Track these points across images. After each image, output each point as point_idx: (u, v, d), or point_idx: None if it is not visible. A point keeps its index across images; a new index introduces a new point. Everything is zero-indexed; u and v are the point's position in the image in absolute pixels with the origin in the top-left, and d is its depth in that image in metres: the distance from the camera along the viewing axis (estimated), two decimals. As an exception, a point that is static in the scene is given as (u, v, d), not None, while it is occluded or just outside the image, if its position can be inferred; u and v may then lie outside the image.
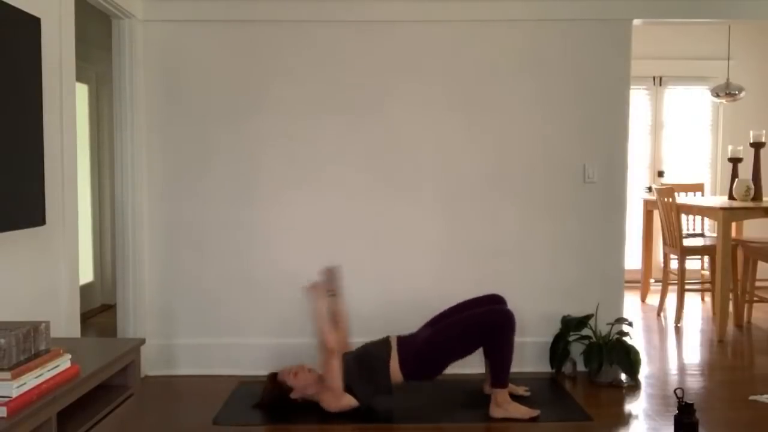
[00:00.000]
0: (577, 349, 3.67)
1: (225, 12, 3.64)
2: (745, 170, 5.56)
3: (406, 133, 3.73)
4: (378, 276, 3.75)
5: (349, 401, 3.05)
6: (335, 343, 3.06)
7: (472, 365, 3.63)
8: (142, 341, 2.34)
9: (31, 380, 1.70)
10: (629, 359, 3.50)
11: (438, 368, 3.11)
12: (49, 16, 2.63)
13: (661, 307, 5.24)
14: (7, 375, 1.63)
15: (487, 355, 3.14)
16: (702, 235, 5.75)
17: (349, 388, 3.06)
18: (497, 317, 3.07)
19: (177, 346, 3.75)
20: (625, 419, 3.08)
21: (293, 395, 3.11)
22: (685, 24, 4.80)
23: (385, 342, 3.17)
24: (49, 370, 1.79)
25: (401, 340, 3.17)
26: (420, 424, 2.99)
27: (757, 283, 5.02)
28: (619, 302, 3.81)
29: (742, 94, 5.55)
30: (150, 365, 3.72)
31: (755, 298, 4.91)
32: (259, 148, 3.71)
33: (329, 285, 3.32)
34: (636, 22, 3.75)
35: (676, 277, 5.08)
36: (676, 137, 6.58)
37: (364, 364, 3.11)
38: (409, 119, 3.73)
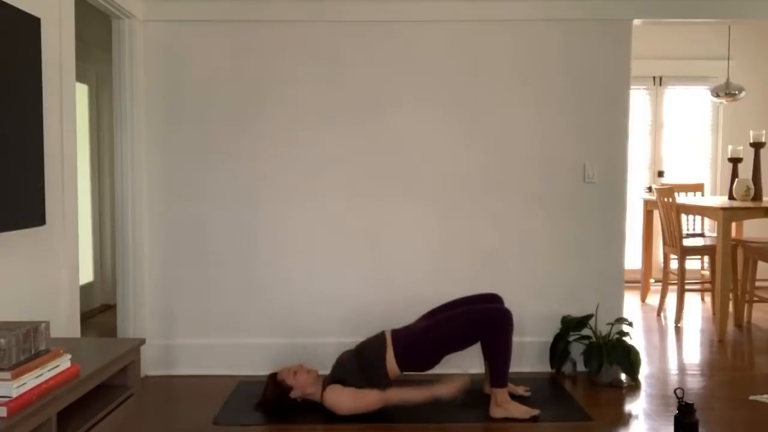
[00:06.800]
0: (577, 349, 3.67)
1: (225, 12, 3.64)
2: (745, 170, 5.57)
3: (406, 132, 3.73)
4: (378, 276, 3.75)
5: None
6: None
7: (472, 365, 3.64)
8: (142, 341, 2.34)
9: (31, 380, 1.71)
10: (629, 359, 3.50)
11: (433, 358, 3.12)
12: (49, 16, 2.63)
13: (661, 307, 5.24)
14: (7, 375, 1.63)
15: (485, 355, 3.14)
16: (702, 235, 5.75)
17: (348, 385, 3.07)
18: (497, 315, 3.08)
19: (177, 346, 3.75)
20: (625, 419, 3.08)
21: (293, 395, 3.11)
22: (685, 24, 4.80)
23: (380, 337, 3.18)
24: (49, 370, 1.79)
25: (395, 333, 3.19)
26: (420, 424, 2.99)
27: (757, 283, 5.02)
28: (619, 302, 3.81)
29: (742, 94, 5.55)
30: (150, 365, 3.72)
31: (755, 298, 4.91)
32: (259, 147, 3.71)
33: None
34: (636, 22, 3.75)
35: (676, 277, 5.08)
36: (676, 137, 6.58)
37: (362, 361, 3.12)
38: (409, 119, 3.73)
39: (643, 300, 5.71)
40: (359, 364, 3.11)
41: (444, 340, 3.09)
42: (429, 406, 3.17)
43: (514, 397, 3.23)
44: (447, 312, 3.21)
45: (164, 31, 3.66)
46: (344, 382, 3.08)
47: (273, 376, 3.19)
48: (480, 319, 3.08)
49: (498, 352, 3.09)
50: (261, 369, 3.69)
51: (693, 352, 4.22)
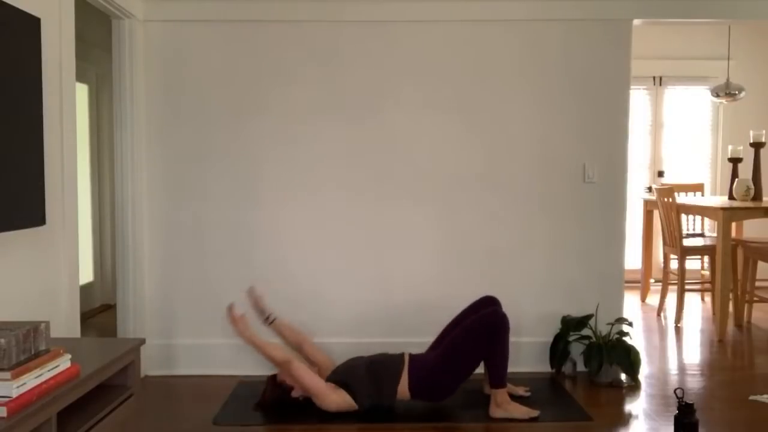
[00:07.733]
0: (577, 349, 3.67)
1: (225, 12, 3.64)
2: (745, 170, 5.57)
3: (406, 133, 3.73)
4: (377, 276, 3.75)
5: (345, 399, 3.04)
6: (282, 354, 3.08)
7: (472, 365, 3.63)
8: (142, 341, 2.34)
9: (31, 380, 1.70)
10: (629, 359, 3.50)
11: (454, 385, 3.10)
12: (49, 16, 2.63)
13: (661, 307, 5.24)
14: (7, 375, 1.63)
15: (484, 356, 3.13)
16: (702, 235, 5.75)
17: (351, 390, 3.06)
18: (490, 319, 3.07)
19: (177, 346, 3.75)
20: (625, 419, 3.08)
21: (294, 394, 3.10)
22: (685, 24, 4.80)
23: (398, 357, 3.16)
24: (49, 370, 1.79)
25: (413, 358, 3.16)
26: (420, 424, 2.99)
27: (757, 283, 5.02)
28: (619, 302, 3.81)
29: (742, 94, 5.55)
30: (150, 365, 3.72)
31: (755, 298, 4.91)
32: (259, 148, 3.71)
33: (261, 311, 3.35)
34: (636, 22, 3.75)
35: (676, 277, 5.08)
36: (676, 137, 6.58)
37: (374, 371, 3.10)
38: (409, 119, 3.73)
39: (643, 300, 5.71)
40: (369, 375, 3.10)
41: (459, 365, 3.07)
42: (429, 406, 3.17)
43: (514, 397, 3.23)
44: (450, 335, 3.17)
45: (164, 31, 3.66)
46: (348, 386, 3.07)
47: (272, 378, 3.19)
48: (477, 331, 3.05)
49: (495, 354, 3.08)
50: (261, 369, 3.69)
51: (693, 352, 4.22)
